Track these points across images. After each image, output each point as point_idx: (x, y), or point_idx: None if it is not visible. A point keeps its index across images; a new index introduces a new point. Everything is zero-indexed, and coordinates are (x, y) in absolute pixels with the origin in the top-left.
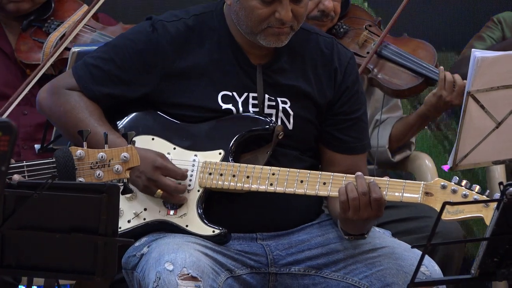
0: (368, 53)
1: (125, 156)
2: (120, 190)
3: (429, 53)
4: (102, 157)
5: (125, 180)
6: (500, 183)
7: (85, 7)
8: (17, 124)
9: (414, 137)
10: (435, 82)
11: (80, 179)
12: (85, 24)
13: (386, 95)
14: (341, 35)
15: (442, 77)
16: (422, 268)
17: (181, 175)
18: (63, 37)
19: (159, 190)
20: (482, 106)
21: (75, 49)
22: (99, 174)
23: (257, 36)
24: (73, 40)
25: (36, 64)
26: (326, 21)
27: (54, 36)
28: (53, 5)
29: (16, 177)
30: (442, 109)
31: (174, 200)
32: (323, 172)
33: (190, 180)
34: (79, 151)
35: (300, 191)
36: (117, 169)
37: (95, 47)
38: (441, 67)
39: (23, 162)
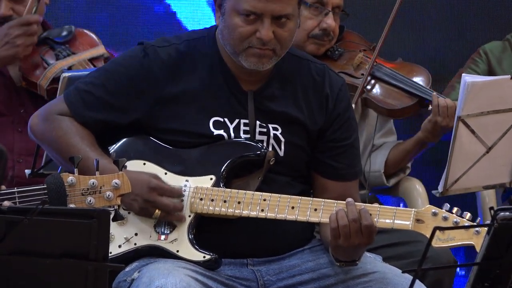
0: (362, 74)
1: (116, 183)
2: (111, 216)
3: (423, 76)
4: (93, 183)
5: (116, 207)
6: (491, 208)
7: (101, 48)
8: (12, 140)
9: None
10: (429, 103)
11: (72, 205)
12: (93, 64)
13: (381, 115)
14: (336, 57)
15: (435, 103)
16: None
17: (177, 193)
18: (70, 68)
19: (157, 211)
20: (472, 131)
21: (66, 74)
22: (90, 201)
23: (239, 57)
24: None
25: (33, 82)
26: (326, 40)
27: (61, 64)
28: (73, 32)
29: (6, 203)
30: (439, 134)
31: (173, 219)
32: (314, 199)
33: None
34: (70, 178)
35: (291, 217)
36: (108, 195)
37: (86, 72)
38: (434, 93)
39: (14, 189)
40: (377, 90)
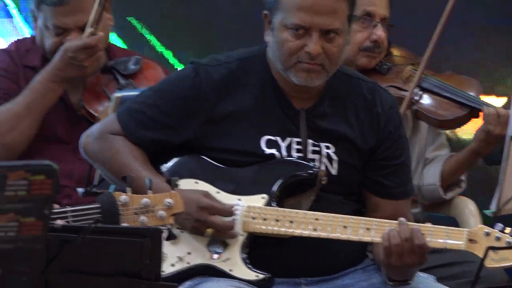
0: None
1: (169, 202)
2: (164, 234)
3: (474, 86)
4: (146, 203)
5: (169, 226)
6: None
7: None
8: (71, 168)
9: (464, 175)
10: (480, 112)
11: (124, 224)
12: None
13: (432, 126)
14: (384, 71)
15: (486, 112)
16: None
17: (228, 211)
18: None
19: (208, 229)
20: None
21: (118, 94)
22: (143, 220)
23: (288, 72)
24: None
25: (92, 114)
26: (377, 52)
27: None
28: (140, 64)
29: (59, 222)
30: (493, 143)
31: (225, 237)
32: (366, 218)
33: (234, 224)
34: (123, 197)
35: (343, 236)
36: (161, 215)
37: (136, 92)
38: (485, 102)
39: (67, 208)
40: (427, 101)
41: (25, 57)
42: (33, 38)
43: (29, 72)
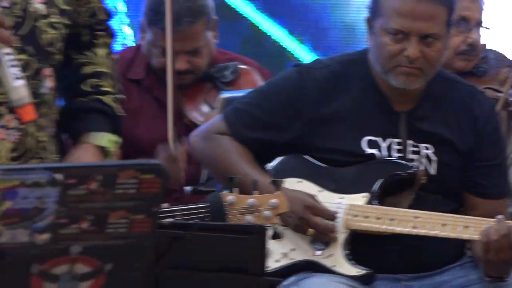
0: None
1: (274, 203)
2: (268, 232)
3: None
4: (252, 203)
5: (274, 225)
6: None
7: None
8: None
9: None
10: None
11: (231, 223)
12: None
13: None
14: (481, 74)
15: None
16: None
17: (331, 215)
18: None
19: (310, 229)
20: None
21: (224, 95)
22: (249, 220)
23: (388, 75)
24: None
25: (193, 122)
26: (473, 55)
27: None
28: (238, 71)
29: (168, 220)
30: None
31: (325, 238)
32: (464, 216)
33: (337, 222)
34: (230, 197)
35: (442, 234)
36: (267, 215)
37: (241, 93)
38: None
39: (177, 206)
40: None
41: (129, 69)
42: (137, 47)
43: (132, 86)
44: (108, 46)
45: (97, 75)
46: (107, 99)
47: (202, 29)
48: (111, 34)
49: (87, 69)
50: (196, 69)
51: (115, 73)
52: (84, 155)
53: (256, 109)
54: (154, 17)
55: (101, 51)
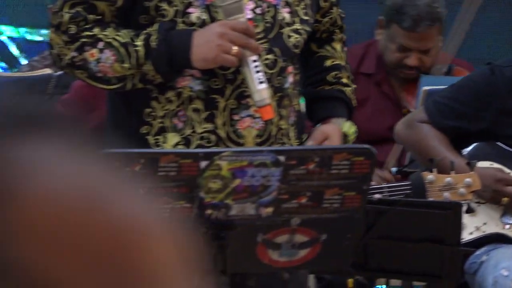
0: None
1: (468, 181)
2: (464, 208)
3: None
4: (449, 181)
5: (468, 201)
6: None
7: None
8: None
9: None
10: None
11: (430, 199)
12: None
13: None
14: None
15: None
16: None
17: None
18: None
19: (504, 198)
20: None
21: (425, 87)
22: (446, 196)
23: None
24: None
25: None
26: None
27: None
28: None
29: (376, 196)
30: None
31: None
32: None
33: None
34: (430, 176)
35: None
36: (462, 192)
37: (441, 87)
38: None
39: (384, 184)
40: None
41: (361, 63)
42: (367, 44)
43: (362, 78)
44: (343, 41)
45: (337, 68)
46: (348, 90)
47: (436, 33)
48: (343, 29)
49: (328, 62)
50: (423, 66)
51: (349, 66)
52: (332, 132)
53: (452, 101)
54: (397, 16)
55: (338, 46)
